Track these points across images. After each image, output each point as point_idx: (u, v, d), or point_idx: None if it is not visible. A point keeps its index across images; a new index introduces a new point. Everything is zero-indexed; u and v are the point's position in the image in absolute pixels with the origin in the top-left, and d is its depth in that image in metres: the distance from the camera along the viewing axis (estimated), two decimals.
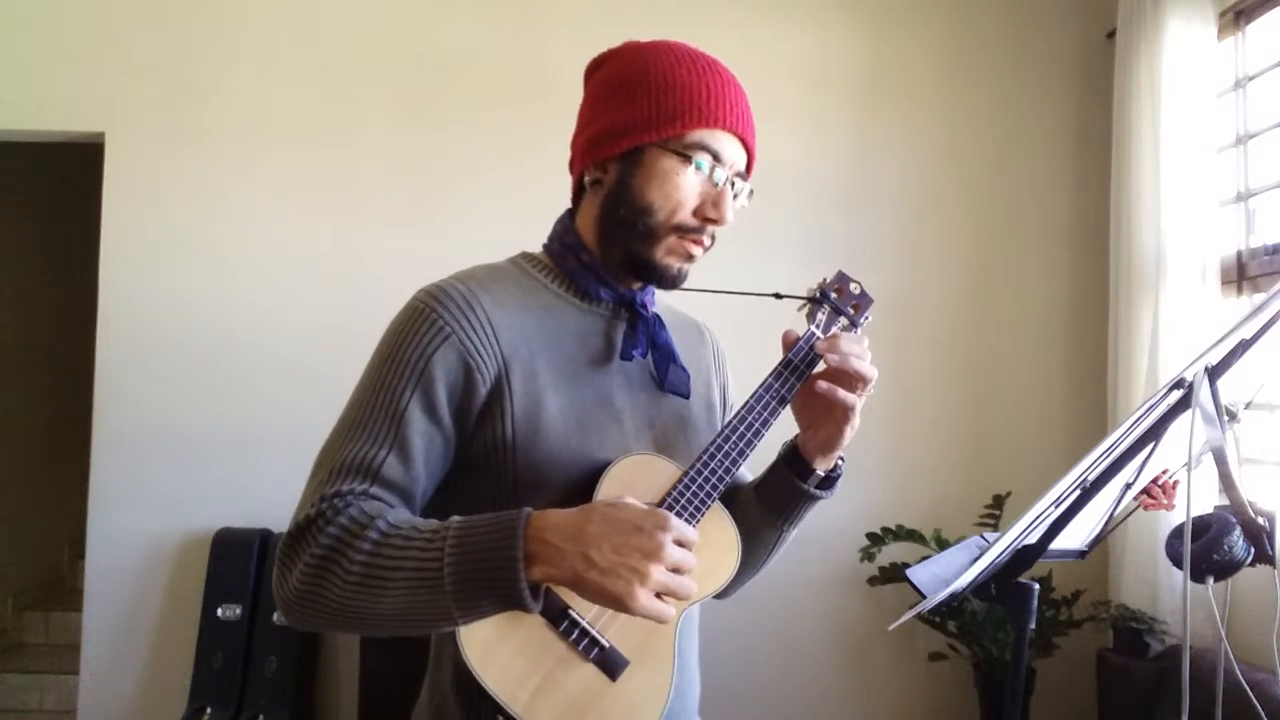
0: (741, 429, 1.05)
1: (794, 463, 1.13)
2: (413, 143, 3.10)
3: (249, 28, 3.11)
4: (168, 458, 3.02)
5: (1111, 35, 2.97)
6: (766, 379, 1.08)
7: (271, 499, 3.00)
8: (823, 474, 1.13)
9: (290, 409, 3.01)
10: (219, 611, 2.94)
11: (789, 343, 1.09)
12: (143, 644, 3.01)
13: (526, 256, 1.14)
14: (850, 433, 1.09)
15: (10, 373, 4.32)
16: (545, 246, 1.15)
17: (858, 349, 1.06)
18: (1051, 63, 3.17)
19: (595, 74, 1.13)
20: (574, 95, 1.15)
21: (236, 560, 2.95)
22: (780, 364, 1.08)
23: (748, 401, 1.06)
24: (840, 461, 1.15)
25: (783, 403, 1.07)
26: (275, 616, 2.94)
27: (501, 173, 3.08)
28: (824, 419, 1.09)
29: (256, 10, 3.11)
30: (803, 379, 1.08)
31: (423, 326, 1.00)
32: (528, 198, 3.00)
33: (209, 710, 2.86)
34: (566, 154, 1.13)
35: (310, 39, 3.12)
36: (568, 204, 1.16)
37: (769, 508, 1.15)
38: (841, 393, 1.05)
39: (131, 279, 3.05)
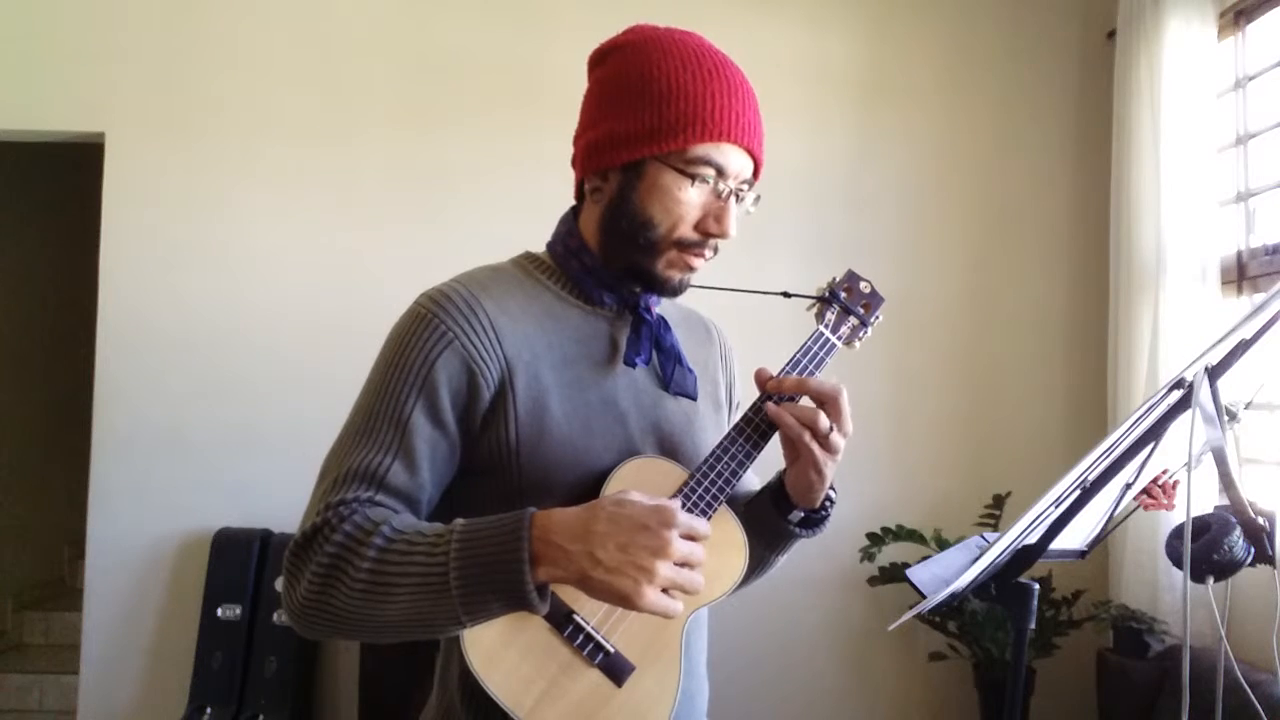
0: (749, 430, 1.03)
1: (780, 497, 1.10)
2: (413, 143, 3.10)
3: (249, 28, 3.11)
4: (168, 458, 3.02)
5: (1111, 35, 2.97)
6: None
7: (271, 499, 3.00)
8: (803, 514, 1.09)
9: (290, 409, 3.01)
10: (219, 611, 2.94)
11: (761, 380, 1.05)
12: (143, 644, 3.01)
13: (530, 257, 1.13)
14: (817, 479, 1.04)
15: (10, 372, 4.32)
16: (549, 247, 1.13)
17: (804, 403, 1.02)
18: (1051, 63, 3.17)
19: (599, 67, 1.09)
20: (573, 96, 1.14)
21: (236, 560, 2.95)
22: (788, 363, 1.06)
23: (755, 403, 1.04)
24: (829, 502, 1.11)
25: (791, 401, 1.04)
26: (275, 616, 2.94)
27: (501, 173, 3.08)
28: (794, 453, 1.04)
29: (256, 10, 3.11)
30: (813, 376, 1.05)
31: (425, 332, 0.99)
32: (527, 198, 3.00)
33: (209, 710, 2.86)
34: (566, 154, 1.12)
35: (310, 39, 3.12)
36: (568, 202, 1.14)
37: (755, 536, 1.10)
38: (790, 421, 1.01)
39: (131, 279, 3.05)
